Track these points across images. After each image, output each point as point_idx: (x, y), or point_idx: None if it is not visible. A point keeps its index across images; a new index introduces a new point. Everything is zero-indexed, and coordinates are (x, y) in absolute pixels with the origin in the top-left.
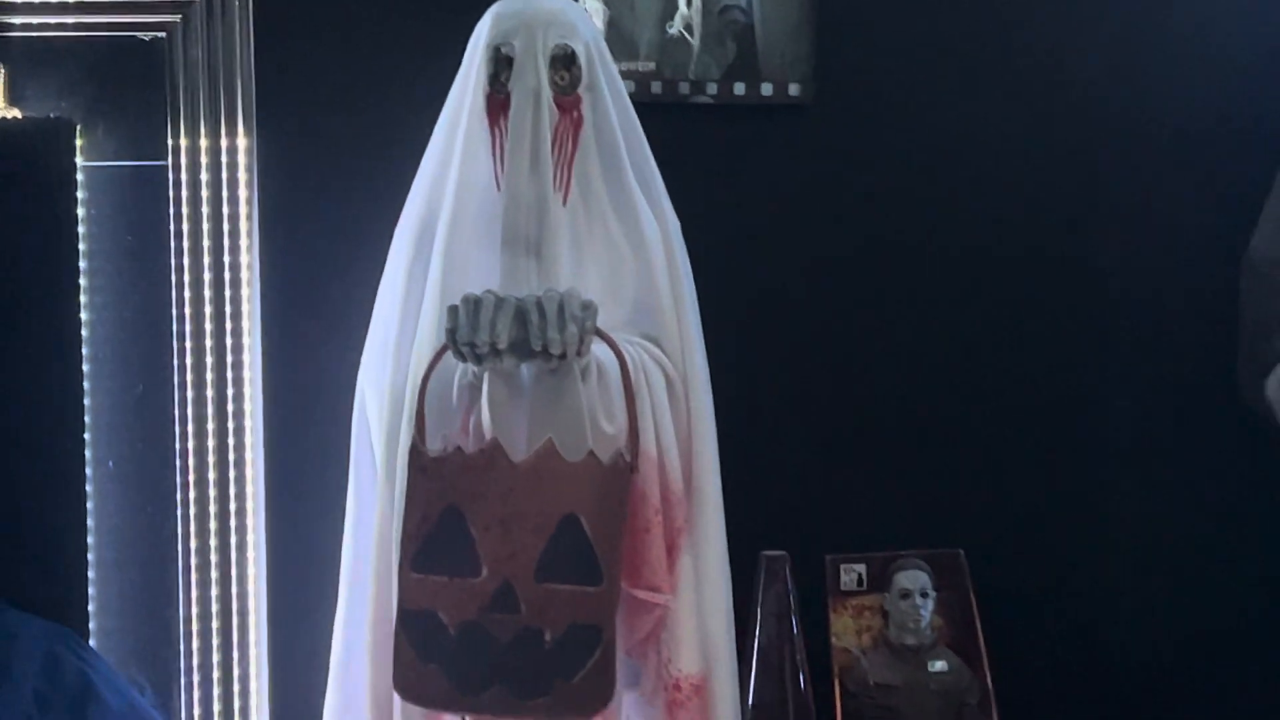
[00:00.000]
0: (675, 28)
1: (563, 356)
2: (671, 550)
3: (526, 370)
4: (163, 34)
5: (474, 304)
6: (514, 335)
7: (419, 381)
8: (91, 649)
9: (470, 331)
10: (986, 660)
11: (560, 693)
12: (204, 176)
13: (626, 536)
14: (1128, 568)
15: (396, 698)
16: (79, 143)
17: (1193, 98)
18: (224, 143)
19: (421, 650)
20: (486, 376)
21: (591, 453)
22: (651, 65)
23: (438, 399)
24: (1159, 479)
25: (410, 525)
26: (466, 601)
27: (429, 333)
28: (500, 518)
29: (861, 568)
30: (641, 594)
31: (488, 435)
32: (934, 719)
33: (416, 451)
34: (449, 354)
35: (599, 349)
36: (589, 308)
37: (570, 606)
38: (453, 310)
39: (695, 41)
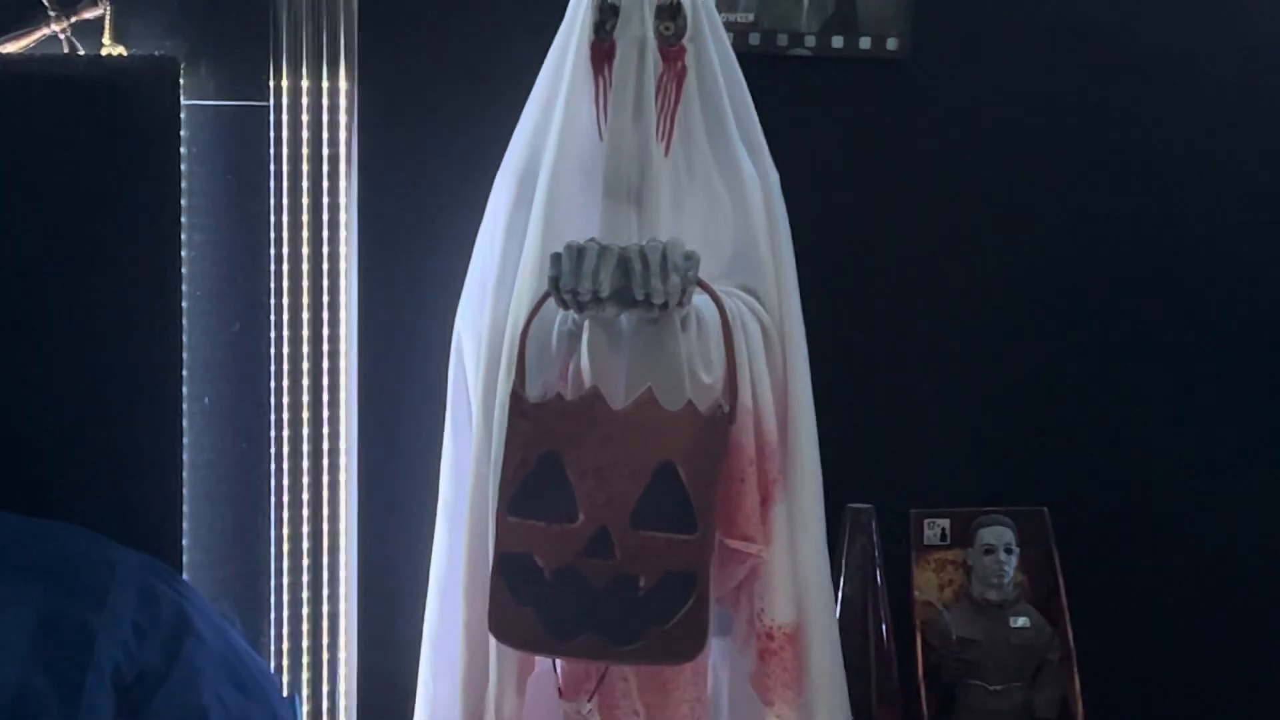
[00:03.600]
0: None
1: (664, 306)
2: (765, 501)
3: (626, 319)
4: None
5: (577, 252)
6: (616, 284)
7: (519, 327)
8: (186, 582)
9: (573, 279)
10: (1069, 617)
11: (653, 639)
12: (304, 118)
13: (721, 486)
14: (1213, 527)
15: (491, 638)
16: (182, 81)
17: None
18: (325, 84)
19: (517, 593)
20: (587, 324)
21: (690, 402)
22: (750, 17)
23: (538, 345)
24: (1246, 439)
25: (508, 470)
26: (563, 546)
27: (529, 279)
28: (598, 464)
29: (945, 522)
30: (735, 544)
31: (587, 383)
32: (1014, 674)
33: (517, 397)
34: (550, 301)
35: (699, 300)
36: (691, 258)
37: (665, 554)
38: (556, 257)
39: None
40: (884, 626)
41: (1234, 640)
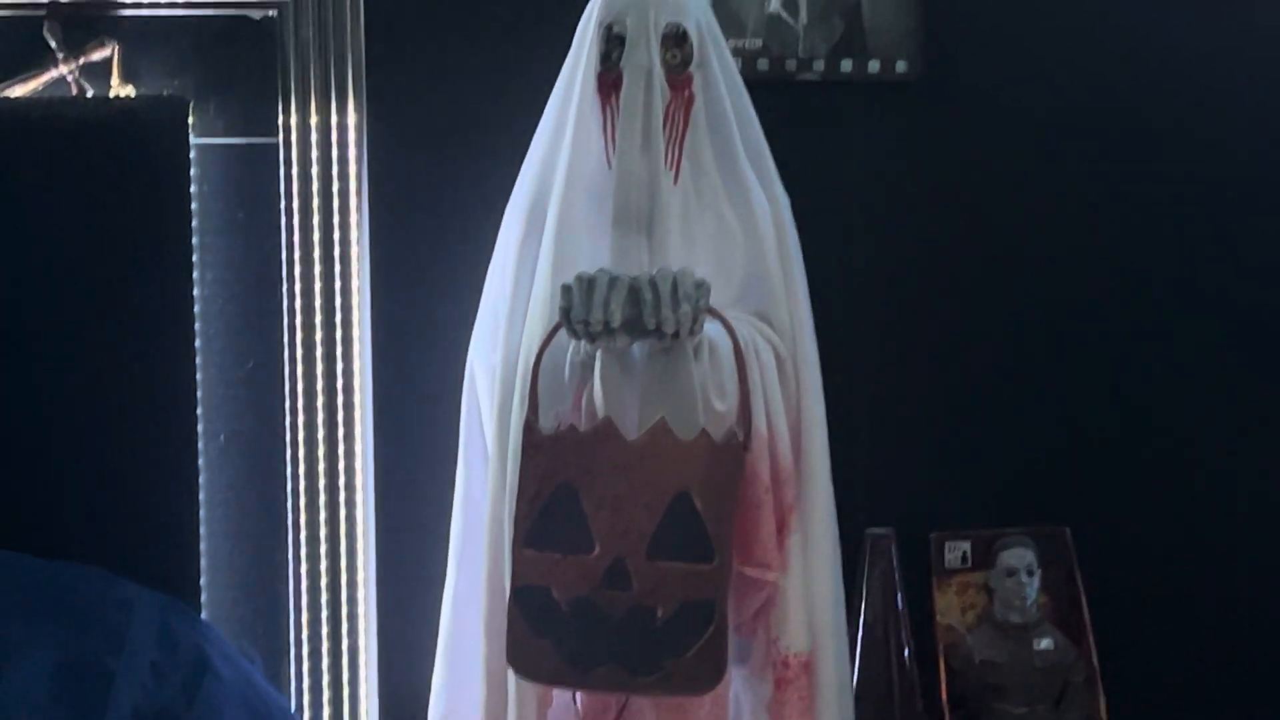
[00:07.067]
0: (773, 6)
1: (676, 335)
2: (781, 528)
3: (639, 349)
4: (274, 12)
5: (588, 283)
6: (627, 314)
7: (532, 359)
8: (204, 621)
9: (584, 310)
10: (1092, 638)
11: (671, 670)
12: (314, 153)
13: (737, 514)
14: (1235, 546)
15: (510, 672)
16: (191, 120)
17: None
18: (334, 119)
19: (534, 626)
20: (599, 355)
21: (704, 431)
22: (759, 42)
23: (550, 377)
24: (1271, 456)
25: (524, 502)
26: (579, 578)
27: (540, 310)
28: (613, 495)
29: (966, 545)
30: (752, 572)
31: (600, 413)
32: (1039, 697)
33: (530, 429)
34: (562, 332)
35: (711, 327)
36: (702, 286)
37: (682, 584)
38: (566, 289)
39: (798, 21)
40: (906, 651)
41: (1261, 660)
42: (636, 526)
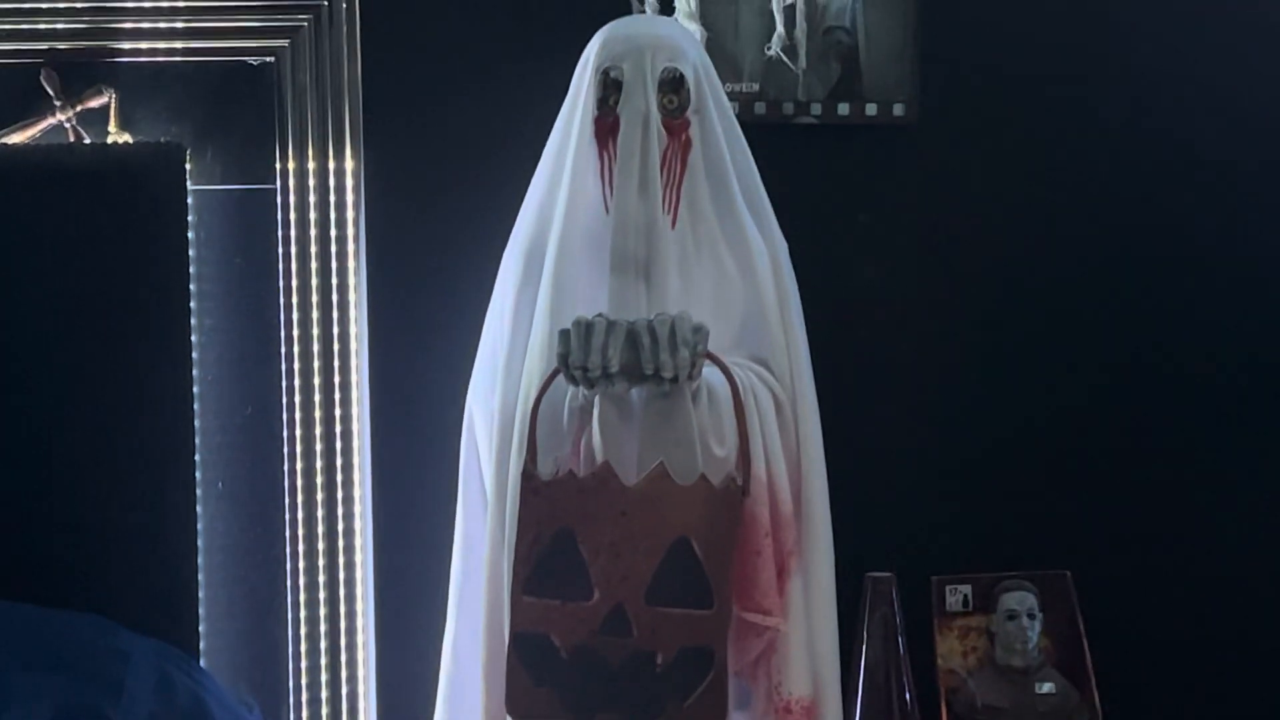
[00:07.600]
0: (774, 49)
1: (674, 380)
2: (781, 573)
3: (637, 394)
4: (271, 59)
5: (585, 328)
6: (625, 359)
7: (530, 404)
8: (202, 669)
9: (582, 355)
10: (1095, 682)
11: (672, 716)
12: (312, 199)
13: (737, 559)
14: (1237, 589)
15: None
16: (188, 167)
17: None
18: (331, 165)
19: (534, 673)
20: (597, 400)
21: (703, 476)
22: (755, 86)
23: (549, 422)
24: (1273, 501)
25: (522, 548)
26: (579, 624)
27: (539, 355)
28: (612, 541)
29: (967, 589)
30: (752, 617)
31: (599, 458)
32: None
33: (529, 474)
34: (560, 377)
35: (709, 372)
36: (700, 331)
37: (682, 629)
38: (564, 334)
39: (796, 64)
40: (908, 695)
41: (1265, 704)
42: (636, 572)
